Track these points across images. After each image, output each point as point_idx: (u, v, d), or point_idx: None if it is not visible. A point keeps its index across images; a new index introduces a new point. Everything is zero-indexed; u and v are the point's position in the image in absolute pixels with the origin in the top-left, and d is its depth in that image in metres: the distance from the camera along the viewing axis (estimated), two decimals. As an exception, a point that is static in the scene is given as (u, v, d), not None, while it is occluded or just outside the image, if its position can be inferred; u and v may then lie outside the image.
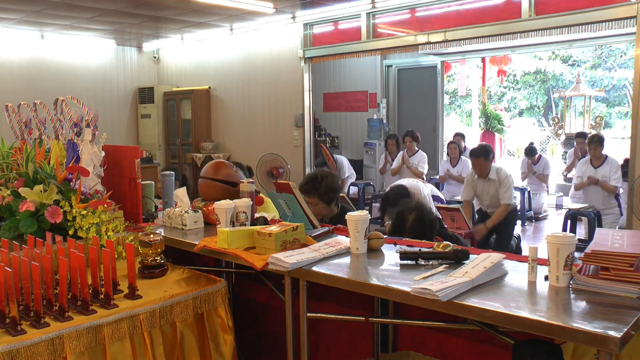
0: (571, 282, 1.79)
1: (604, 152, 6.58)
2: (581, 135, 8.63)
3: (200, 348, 2.32)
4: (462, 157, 8.15)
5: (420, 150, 8.00)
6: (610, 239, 1.92)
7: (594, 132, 9.50)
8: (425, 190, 5.78)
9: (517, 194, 7.81)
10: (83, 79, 8.80)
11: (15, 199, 2.67)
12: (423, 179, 7.12)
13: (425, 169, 7.79)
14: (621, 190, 6.32)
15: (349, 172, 9.19)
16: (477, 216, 6.10)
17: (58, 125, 2.95)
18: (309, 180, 3.50)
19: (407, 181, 5.97)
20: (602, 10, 4.66)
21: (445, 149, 10.11)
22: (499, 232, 5.60)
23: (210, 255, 2.52)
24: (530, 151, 8.51)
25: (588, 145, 6.72)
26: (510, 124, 14.63)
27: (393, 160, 8.11)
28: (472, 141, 12.02)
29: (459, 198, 7.03)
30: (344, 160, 9.23)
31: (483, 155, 5.46)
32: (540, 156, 8.59)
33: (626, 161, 6.61)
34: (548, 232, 1.88)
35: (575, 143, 8.69)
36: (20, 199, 2.65)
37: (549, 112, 17.28)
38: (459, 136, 9.23)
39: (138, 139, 9.61)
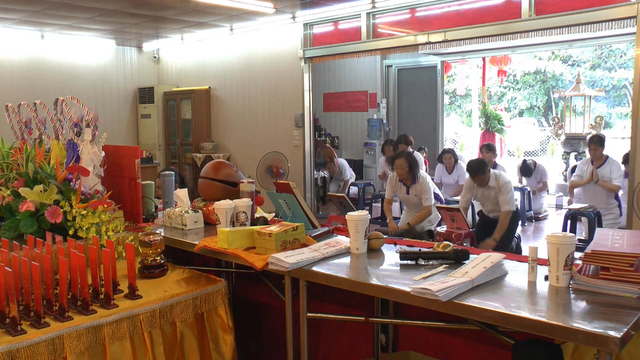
0: (571, 282, 1.79)
1: (605, 152, 6.54)
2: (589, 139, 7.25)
3: (200, 348, 2.32)
4: (457, 164, 8.04)
5: (421, 173, 5.85)
6: (610, 239, 1.91)
7: (593, 132, 9.37)
8: (429, 179, 5.84)
9: (517, 194, 7.83)
10: (83, 79, 8.80)
11: (15, 199, 2.67)
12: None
13: (431, 199, 6.19)
14: (620, 192, 6.29)
15: (349, 173, 9.21)
16: (477, 218, 6.10)
17: (58, 125, 2.95)
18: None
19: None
20: (602, 10, 4.66)
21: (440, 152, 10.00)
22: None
23: (210, 255, 2.52)
24: (526, 171, 8.24)
25: (588, 146, 6.65)
26: (510, 124, 14.62)
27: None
28: (472, 141, 12.02)
29: (456, 198, 7.03)
30: (344, 163, 9.26)
31: (480, 171, 5.46)
32: (535, 165, 8.31)
33: (626, 156, 6.57)
34: (548, 232, 1.88)
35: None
36: (20, 199, 2.65)
37: (549, 112, 17.27)
38: (449, 153, 8.33)
39: (138, 139, 9.61)
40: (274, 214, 2.86)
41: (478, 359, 2.20)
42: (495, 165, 7.50)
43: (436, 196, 6.29)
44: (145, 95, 9.40)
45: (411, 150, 7.91)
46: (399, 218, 6.28)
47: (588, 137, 7.38)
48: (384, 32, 6.41)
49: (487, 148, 7.84)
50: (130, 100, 9.49)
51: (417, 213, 5.70)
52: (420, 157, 7.96)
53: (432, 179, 8.17)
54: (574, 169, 7.15)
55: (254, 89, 8.01)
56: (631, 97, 5.20)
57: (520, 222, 7.34)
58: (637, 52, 4.45)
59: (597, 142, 6.48)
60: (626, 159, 6.22)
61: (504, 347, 1.93)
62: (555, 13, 4.95)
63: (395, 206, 6.27)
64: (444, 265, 2.04)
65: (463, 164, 8.39)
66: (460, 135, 16.03)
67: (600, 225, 5.98)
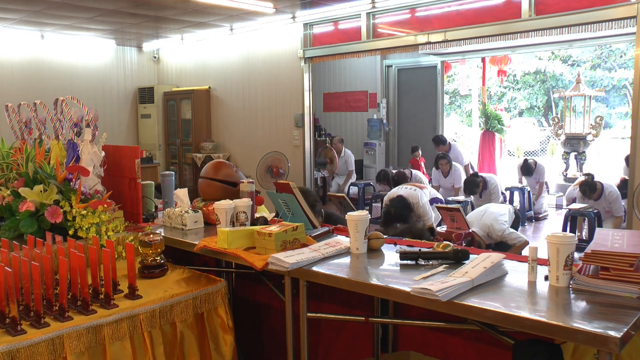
0: (571, 282, 1.79)
1: (596, 179, 6.44)
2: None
3: (200, 348, 2.32)
4: (452, 169, 7.93)
5: (414, 200, 5.99)
6: (610, 239, 1.91)
7: (583, 176, 7.55)
8: (424, 198, 5.76)
9: (517, 195, 7.83)
10: (83, 79, 8.80)
11: (15, 199, 2.67)
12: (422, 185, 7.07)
13: (431, 218, 6.32)
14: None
15: (352, 167, 9.27)
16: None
17: (58, 125, 2.95)
18: None
19: (404, 190, 5.93)
20: (602, 10, 4.66)
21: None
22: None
23: (210, 255, 2.52)
24: (527, 170, 8.13)
25: (583, 196, 6.43)
26: (510, 124, 14.59)
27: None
28: (473, 141, 12.01)
29: (456, 198, 7.03)
30: (351, 155, 9.30)
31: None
32: (536, 164, 8.23)
33: (623, 181, 6.52)
34: (548, 232, 1.88)
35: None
36: (20, 199, 2.65)
37: (549, 112, 17.27)
38: (444, 159, 8.13)
39: (138, 139, 9.61)
40: (274, 214, 2.86)
41: (478, 359, 2.20)
42: (485, 184, 7.28)
43: (436, 198, 6.29)
44: (145, 95, 9.41)
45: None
46: None
47: (579, 180, 6.93)
48: (384, 32, 6.41)
49: (470, 188, 7.12)
50: (130, 100, 9.49)
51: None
52: (419, 175, 7.93)
53: (430, 181, 8.19)
54: (573, 200, 6.95)
55: (253, 89, 8.01)
56: (631, 97, 5.20)
57: (520, 222, 7.34)
58: (637, 52, 4.45)
59: (590, 190, 6.31)
60: (623, 192, 6.08)
61: (504, 347, 1.93)
62: (555, 13, 4.95)
63: None
64: (444, 265, 2.04)
65: (459, 163, 8.40)
66: (461, 135, 16.03)
67: (600, 225, 5.97)
